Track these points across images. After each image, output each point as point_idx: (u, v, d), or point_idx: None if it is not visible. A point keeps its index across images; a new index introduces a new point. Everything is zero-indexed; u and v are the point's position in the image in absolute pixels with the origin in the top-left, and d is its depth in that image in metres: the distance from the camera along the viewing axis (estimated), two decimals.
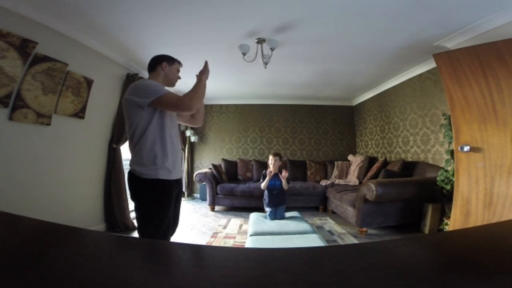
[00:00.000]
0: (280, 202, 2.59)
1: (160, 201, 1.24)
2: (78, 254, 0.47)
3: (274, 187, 2.60)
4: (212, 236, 2.81)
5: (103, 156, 2.95)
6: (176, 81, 1.47)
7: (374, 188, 2.56)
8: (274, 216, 2.53)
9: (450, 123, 2.25)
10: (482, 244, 0.55)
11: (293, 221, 2.47)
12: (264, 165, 4.78)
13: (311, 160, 4.90)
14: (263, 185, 2.61)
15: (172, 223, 1.42)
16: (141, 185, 1.22)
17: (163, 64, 1.40)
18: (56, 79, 2.25)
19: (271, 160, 2.69)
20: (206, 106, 5.46)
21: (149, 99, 1.20)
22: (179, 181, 1.42)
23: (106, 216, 2.93)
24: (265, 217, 2.58)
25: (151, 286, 0.36)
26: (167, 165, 1.28)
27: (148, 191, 1.24)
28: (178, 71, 1.47)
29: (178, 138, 1.44)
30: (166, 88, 1.46)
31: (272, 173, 2.58)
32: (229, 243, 2.62)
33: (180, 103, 1.23)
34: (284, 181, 2.58)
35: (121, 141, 3.05)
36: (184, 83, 1.94)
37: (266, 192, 2.64)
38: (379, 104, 4.43)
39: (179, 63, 1.48)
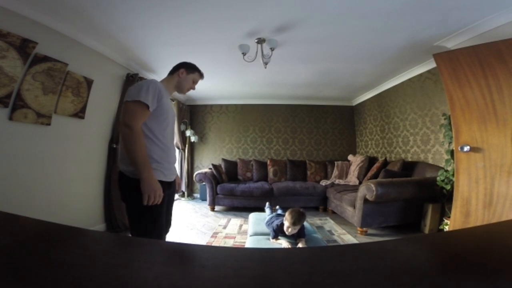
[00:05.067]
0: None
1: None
2: (78, 254, 0.47)
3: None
4: (212, 236, 2.81)
5: (103, 156, 2.95)
6: (187, 90, 1.47)
7: (374, 188, 2.56)
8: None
9: (450, 123, 2.25)
10: (482, 244, 0.55)
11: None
12: (264, 165, 4.80)
13: (311, 160, 4.90)
14: (272, 240, 2.01)
15: (165, 224, 1.41)
16: (132, 185, 1.17)
17: (180, 71, 1.41)
18: (56, 79, 2.25)
19: (286, 224, 1.93)
20: (206, 106, 5.47)
21: (132, 96, 1.19)
22: (171, 184, 1.39)
23: (106, 216, 2.93)
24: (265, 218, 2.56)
25: (150, 286, 0.36)
26: (157, 166, 1.25)
27: (138, 191, 1.17)
28: (195, 81, 1.47)
29: (173, 140, 1.42)
30: (176, 93, 1.49)
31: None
32: (229, 243, 2.62)
33: (129, 124, 1.15)
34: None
35: None
36: None
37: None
38: (379, 104, 4.43)
39: (200, 74, 1.49)
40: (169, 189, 1.38)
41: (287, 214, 1.96)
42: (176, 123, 4.39)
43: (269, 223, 2.19)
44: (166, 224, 1.42)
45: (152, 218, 1.23)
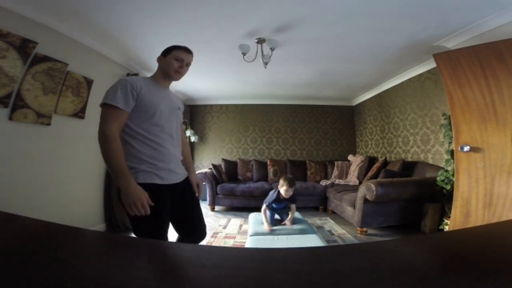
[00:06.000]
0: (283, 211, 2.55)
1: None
2: (78, 254, 0.47)
3: (276, 208, 2.51)
4: (212, 236, 2.81)
5: None
6: (174, 72, 1.26)
7: (374, 188, 2.56)
8: (273, 220, 2.49)
9: (450, 123, 2.25)
10: (482, 244, 0.55)
11: (293, 221, 2.47)
12: (264, 165, 4.80)
13: (311, 160, 4.89)
14: (264, 211, 2.40)
15: (187, 231, 1.31)
16: None
17: (158, 58, 1.30)
18: (56, 79, 2.25)
19: (285, 186, 2.35)
20: (206, 106, 5.46)
21: (102, 100, 1.12)
22: (175, 186, 1.25)
23: (106, 216, 2.93)
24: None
25: (151, 286, 0.35)
26: (149, 168, 1.15)
27: None
28: (179, 59, 1.26)
29: (172, 136, 1.28)
30: (173, 82, 1.34)
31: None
32: (229, 243, 2.61)
33: (101, 130, 1.07)
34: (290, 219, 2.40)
35: None
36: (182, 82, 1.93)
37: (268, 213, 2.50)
38: (379, 104, 4.43)
39: (179, 49, 1.27)
40: (174, 192, 1.24)
41: (281, 181, 2.40)
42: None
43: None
44: (190, 232, 1.32)
45: (150, 224, 1.12)
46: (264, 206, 2.43)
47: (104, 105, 1.10)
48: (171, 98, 1.32)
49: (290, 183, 2.36)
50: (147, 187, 1.12)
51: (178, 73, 1.28)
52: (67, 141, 2.46)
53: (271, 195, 2.47)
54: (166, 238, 1.22)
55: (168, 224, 1.23)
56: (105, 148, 1.06)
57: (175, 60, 1.26)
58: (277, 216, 2.55)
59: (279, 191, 2.42)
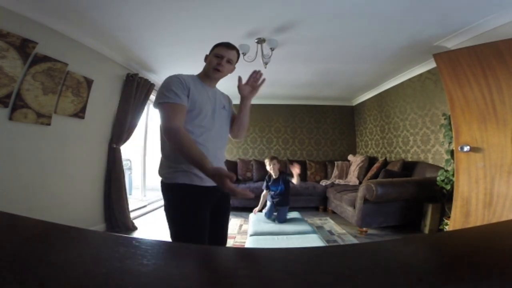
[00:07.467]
0: (282, 203, 2.59)
1: (178, 207, 1.11)
2: (78, 254, 0.47)
3: (276, 193, 2.61)
4: None
5: (103, 156, 2.95)
6: (211, 69, 1.20)
7: (374, 188, 2.56)
8: (271, 214, 2.56)
9: (450, 123, 2.25)
10: (482, 244, 0.55)
11: (293, 221, 2.48)
12: (264, 165, 4.78)
13: (311, 160, 4.90)
14: (264, 196, 2.75)
15: (212, 241, 1.25)
16: (164, 188, 1.14)
17: (205, 57, 1.27)
18: (56, 79, 2.25)
19: (269, 165, 2.65)
20: None
21: (156, 101, 1.11)
22: (216, 189, 1.09)
23: (106, 216, 2.93)
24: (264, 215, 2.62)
25: (150, 286, 0.36)
26: (188, 168, 1.08)
27: (169, 194, 1.13)
28: (218, 56, 1.20)
29: (219, 136, 1.23)
30: (216, 80, 1.28)
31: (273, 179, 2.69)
32: (229, 243, 2.61)
33: (164, 128, 1.05)
34: (296, 178, 2.46)
35: (121, 141, 3.04)
36: None
37: (268, 204, 2.68)
38: (379, 104, 4.43)
39: (220, 46, 1.23)
40: (214, 196, 1.17)
41: (265, 161, 2.75)
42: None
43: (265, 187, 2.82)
44: (215, 239, 1.25)
45: (182, 220, 1.10)
46: (264, 192, 2.75)
47: (160, 105, 1.08)
48: (216, 97, 1.27)
49: (271, 158, 2.67)
50: (186, 188, 1.09)
51: (216, 71, 1.20)
52: (67, 141, 2.46)
53: (266, 179, 2.79)
54: (205, 241, 1.14)
55: (208, 228, 1.16)
56: (174, 143, 1.03)
57: (215, 57, 1.21)
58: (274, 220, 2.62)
59: (269, 174, 2.70)
